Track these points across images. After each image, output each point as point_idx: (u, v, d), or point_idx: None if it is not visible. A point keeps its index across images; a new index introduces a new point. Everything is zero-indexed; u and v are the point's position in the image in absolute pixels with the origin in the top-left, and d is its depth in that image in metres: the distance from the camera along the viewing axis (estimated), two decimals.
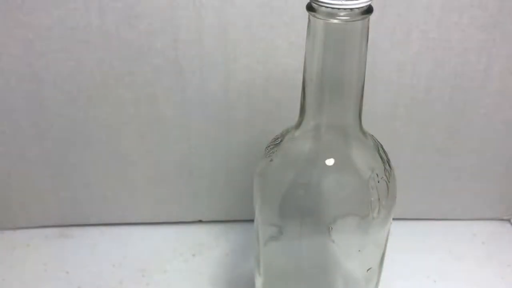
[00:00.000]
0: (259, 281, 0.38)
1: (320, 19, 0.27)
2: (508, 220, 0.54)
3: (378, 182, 0.31)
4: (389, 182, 0.32)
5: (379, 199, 0.31)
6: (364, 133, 0.32)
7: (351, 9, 0.26)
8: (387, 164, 0.32)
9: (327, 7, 0.26)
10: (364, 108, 0.31)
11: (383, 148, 0.33)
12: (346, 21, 0.27)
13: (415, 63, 0.43)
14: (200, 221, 0.52)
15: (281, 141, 0.33)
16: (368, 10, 0.27)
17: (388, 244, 0.35)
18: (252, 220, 0.36)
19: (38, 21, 0.40)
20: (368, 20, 0.27)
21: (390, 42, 0.42)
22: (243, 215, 0.52)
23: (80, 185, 0.49)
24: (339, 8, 0.26)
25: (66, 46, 0.42)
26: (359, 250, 0.33)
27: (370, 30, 0.28)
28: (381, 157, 0.32)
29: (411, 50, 0.43)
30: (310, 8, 0.27)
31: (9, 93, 0.44)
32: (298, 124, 0.32)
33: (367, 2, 0.26)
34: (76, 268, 0.47)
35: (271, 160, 0.33)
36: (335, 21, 0.27)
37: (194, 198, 0.51)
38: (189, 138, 0.47)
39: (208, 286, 0.46)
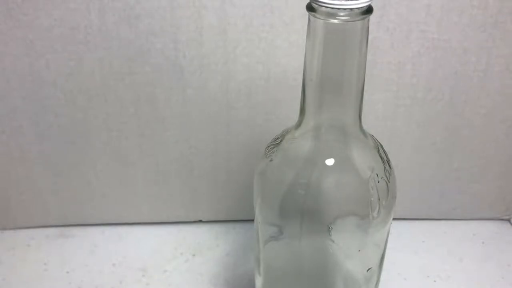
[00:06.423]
0: (259, 281, 0.38)
1: (320, 19, 0.27)
2: (508, 220, 0.54)
3: (378, 182, 0.31)
4: (389, 182, 0.32)
5: (379, 199, 0.31)
6: (364, 133, 0.32)
7: (351, 9, 0.26)
8: (387, 164, 0.32)
9: (327, 7, 0.26)
10: (364, 108, 0.31)
11: (383, 148, 0.33)
12: (346, 21, 0.27)
13: (415, 63, 0.43)
14: (200, 221, 0.52)
15: (281, 141, 0.33)
16: (368, 10, 0.27)
17: (388, 244, 0.35)
18: (252, 220, 0.36)
19: (38, 21, 0.40)
20: (368, 20, 0.27)
21: (390, 42, 0.42)
22: (243, 215, 0.52)
23: (80, 185, 0.49)
24: (339, 8, 0.26)
25: (66, 46, 0.42)
26: (359, 250, 0.33)
27: (370, 30, 0.28)
28: (381, 157, 0.32)
29: (411, 50, 0.43)
30: (310, 8, 0.27)
31: (9, 93, 0.44)
32: (298, 124, 0.32)
33: (367, 2, 0.26)
34: (76, 268, 0.47)
35: (271, 160, 0.33)
36: (335, 21, 0.27)
37: (194, 198, 0.51)
38: (189, 138, 0.47)
39: (208, 286, 0.46)
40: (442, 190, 0.51)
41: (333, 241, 0.32)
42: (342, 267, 0.35)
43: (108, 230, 0.52)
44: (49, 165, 0.48)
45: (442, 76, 0.44)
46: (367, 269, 0.34)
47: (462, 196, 0.51)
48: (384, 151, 0.33)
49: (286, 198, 0.32)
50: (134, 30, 0.41)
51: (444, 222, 0.53)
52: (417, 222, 0.53)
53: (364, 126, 0.32)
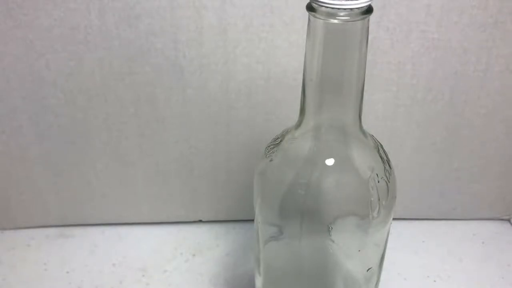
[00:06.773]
0: (259, 281, 0.38)
1: (320, 19, 0.27)
2: (508, 220, 0.54)
3: (378, 182, 0.31)
4: (389, 182, 0.32)
5: (379, 199, 0.31)
6: (364, 133, 0.32)
7: (351, 9, 0.26)
8: (387, 164, 0.32)
9: (327, 7, 0.26)
10: (364, 108, 0.31)
11: (383, 148, 0.33)
12: (346, 21, 0.27)
13: (415, 63, 0.43)
14: (200, 221, 0.52)
15: (281, 141, 0.33)
16: (368, 10, 0.27)
17: (388, 244, 0.35)
18: (252, 220, 0.36)
19: (38, 21, 0.40)
20: (368, 20, 0.27)
21: (390, 42, 0.42)
22: (243, 215, 0.52)
23: (80, 185, 0.49)
24: (339, 8, 0.26)
25: (66, 46, 0.42)
26: (359, 250, 0.33)
27: (370, 30, 0.28)
28: (381, 157, 0.32)
29: (411, 50, 0.43)
30: (310, 8, 0.27)
31: (9, 93, 0.44)
32: (298, 124, 0.32)
33: (367, 2, 0.26)
34: (76, 268, 0.47)
35: (271, 160, 0.33)
36: (335, 21, 0.27)
37: (194, 198, 0.51)
38: (189, 138, 0.47)
39: (208, 286, 0.46)
40: (442, 190, 0.51)
41: (333, 241, 0.32)
42: (342, 267, 0.35)
43: (108, 230, 0.52)
44: (49, 165, 0.48)
45: (442, 76, 0.44)
46: (367, 269, 0.34)
47: (462, 196, 0.51)
48: (384, 151, 0.33)
49: (286, 198, 0.32)
50: (134, 30, 0.41)
51: (444, 222, 0.53)
52: (417, 222, 0.53)
53: (364, 126, 0.32)
